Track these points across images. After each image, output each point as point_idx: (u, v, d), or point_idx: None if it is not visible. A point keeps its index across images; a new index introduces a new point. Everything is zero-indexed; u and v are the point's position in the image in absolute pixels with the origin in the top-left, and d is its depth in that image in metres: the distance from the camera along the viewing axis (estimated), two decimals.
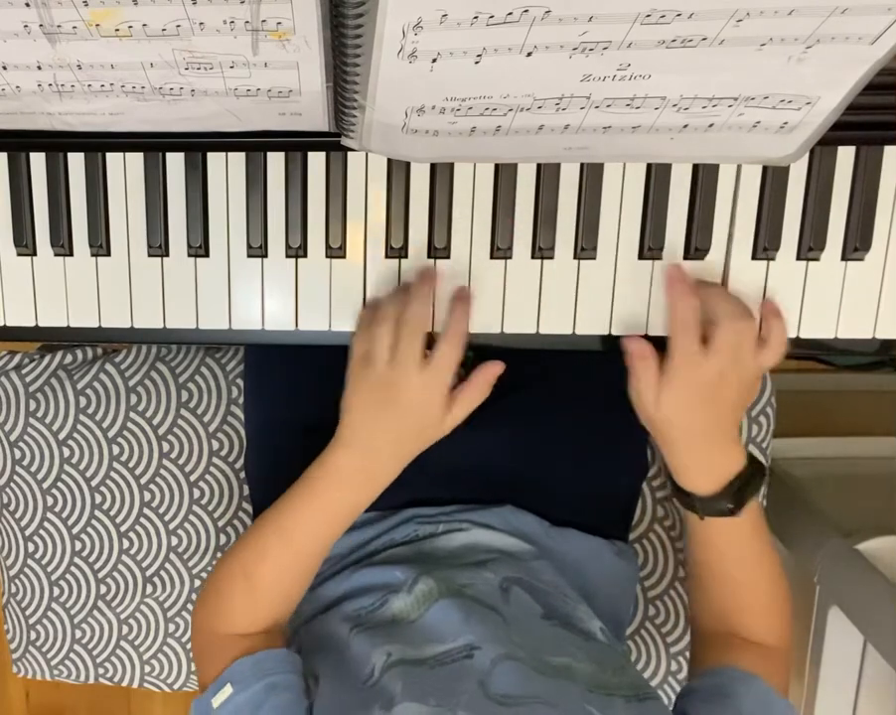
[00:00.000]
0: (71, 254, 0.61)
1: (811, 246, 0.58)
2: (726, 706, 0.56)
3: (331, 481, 0.59)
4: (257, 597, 0.60)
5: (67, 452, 0.89)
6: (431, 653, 0.55)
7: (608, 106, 0.48)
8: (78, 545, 0.91)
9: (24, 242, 0.61)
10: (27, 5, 0.41)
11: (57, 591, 0.93)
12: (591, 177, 0.58)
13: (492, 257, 0.60)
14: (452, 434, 0.76)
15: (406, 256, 0.60)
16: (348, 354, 0.59)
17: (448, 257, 0.60)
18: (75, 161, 0.60)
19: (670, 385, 0.55)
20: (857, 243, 0.58)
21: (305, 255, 0.61)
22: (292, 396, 0.78)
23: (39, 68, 0.47)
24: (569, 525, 0.73)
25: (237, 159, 0.59)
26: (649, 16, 0.40)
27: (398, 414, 0.56)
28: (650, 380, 0.56)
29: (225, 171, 0.60)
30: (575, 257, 0.59)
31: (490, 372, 0.58)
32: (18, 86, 0.49)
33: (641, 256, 0.59)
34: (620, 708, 0.53)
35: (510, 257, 0.60)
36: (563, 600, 0.64)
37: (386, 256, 0.60)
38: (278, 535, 0.60)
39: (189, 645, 0.93)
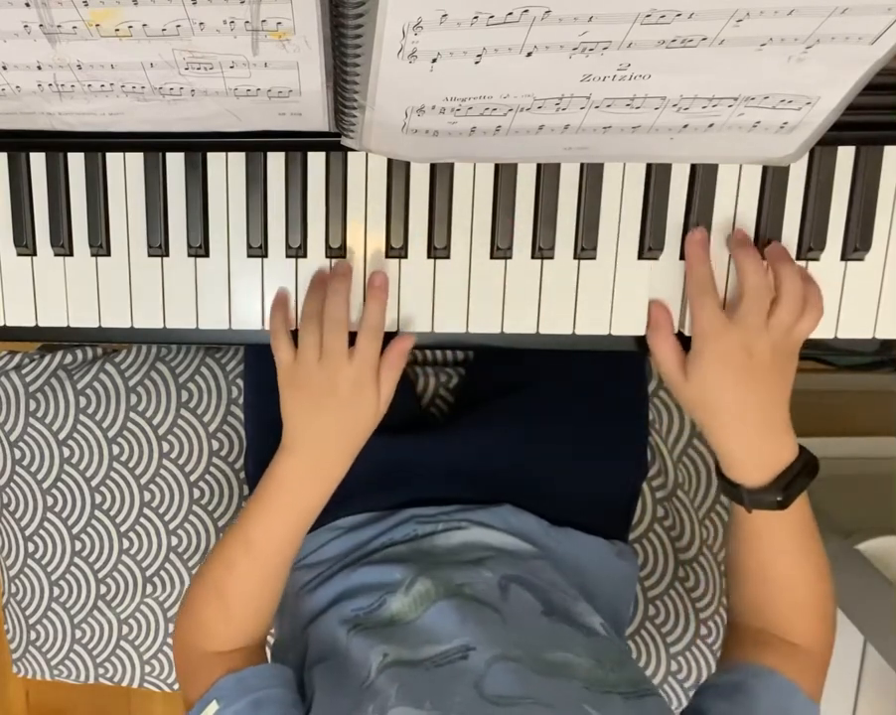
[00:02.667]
0: (71, 254, 0.61)
1: (811, 246, 0.58)
2: (741, 703, 0.55)
3: (281, 488, 0.60)
4: (231, 612, 0.60)
5: (67, 452, 0.89)
6: (427, 655, 0.55)
7: (608, 106, 0.48)
8: (78, 545, 0.91)
9: (24, 242, 0.61)
10: (27, 5, 0.41)
11: (57, 591, 0.93)
12: (591, 177, 0.58)
13: (492, 257, 0.60)
14: (453, 434, 0.76)
15: (406, 256, 0.60)
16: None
17: (448, 257, 0.60)
18: (75, 161, 0.60)
19: (697, 358, 0.54)
20: (857, 243, 0.58)
21: (305, 255, 0.61)
22: None
23: (39, 68, 0.47)
24: (569, 525, 0.73)
25: (237, 159, 0.59)
26: (649, 16, 0.40)
27: (336, 409, 0.57)
28: (668, 352, 0.56)
29: (225, 171, 0.60)
30: (575, 257, 0.59)
31: (401, 346, 0.58)
32: (18, 86, 0.49)
33: (641, 256, 0.59)
34: (618, 705, 0.52)
35: (510, 257, 0.60)
36: (563, 597, 0.64)
37: (386, 256, 0.60)
38: (242, 547, 0.60)
39: None
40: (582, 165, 0.58)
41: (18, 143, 0.59)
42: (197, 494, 0.89)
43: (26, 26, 0.43)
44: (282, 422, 0.59)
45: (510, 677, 0.52)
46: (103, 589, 0.92)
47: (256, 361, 0.82)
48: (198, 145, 0.59)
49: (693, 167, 0.58)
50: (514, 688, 0.51)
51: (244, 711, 0.53)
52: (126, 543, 0.91)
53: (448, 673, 0.53)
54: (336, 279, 0.58)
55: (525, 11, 0.40)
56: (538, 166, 0.58)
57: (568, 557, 0.71)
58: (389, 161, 0.59)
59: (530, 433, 0.75)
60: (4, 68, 0.47)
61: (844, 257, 0.59)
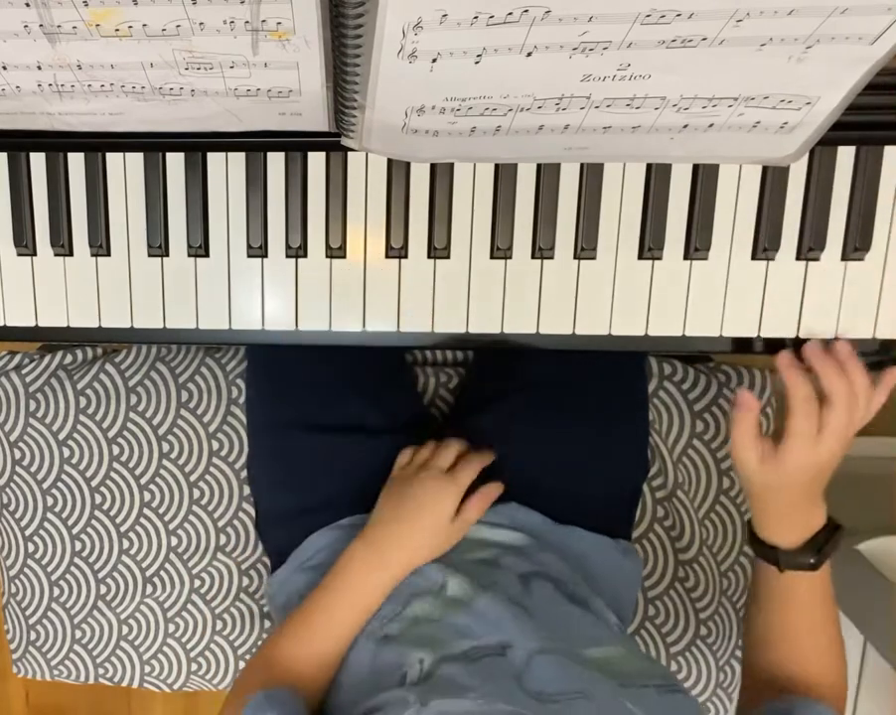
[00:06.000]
0: (71, 254, 0.61)
1: (811, 246, 0.58)
2: None
3: (345, 570, 0.63)
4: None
5: (67, 452, 0.89)
6: (462, 649, 0.56)
7: (608, 106, 0.48)
8: (78, 545, 0.91)
9: (24, 242, 0.61)
10: (27, 5, 0.41)
11: (57, 591, 0.93)
12: (591, 177, 0.58)
13: (492, 257, 0.60)
14: (456, 436, 0.76)
15: (406, 256, 0.60)
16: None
17: (448, 257, 0.60)
18: (76, 161, 0.60)
19: (779, 463, 0.56)
20: (857, 243, 0.58)
21: (305, 255, 0.61)
22: (294, 395, 0.78)
23: (39, 68, 0.47)
24: (573, 524, 0.74)
25: (237, 159, 0.59)
26: (649, 16, 0.40)
27: (413, 508, 0.62)
28: (750, 440, 0.57)
29: (225, 171, 0.60)
30: (575, 257, 0.59)
31: (490, 494, 0.67)
32: (18, 86, 0.49)
33: (641, 256, 0.59)
34: (653, 699, 0.53)
35: (510, 257, 0.60)
36: (580, 589, 0.64)
37: (386, 256, 0.60)
38: (303, 628, 0.62)
39: (189, 645, 0.93)
40: (582, 165, 0.58)
41: (18, 143, 0.59)
42: (197, 494, 0.89)
43: (26, 26, 0.43)
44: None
45: (550, 671, 0.53)
46: (103, 589, 0.92)
47: (257, 362, 0.82)
48: (198, 145, 0.59)
49: (694, 167, 0.58)
50: (554, 683, 0.52)
51: None
52: (126, 543, 0.91)
53: (487, 666, 0.54)
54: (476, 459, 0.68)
55: (525, 11, 0.40)
56: (538, 166, 0.58)
57: (573, 553, 0.71)
58: (389, 161, 0.59)
59: (532, 434, 0.75)
60: (4, 68, 0.47)
61: (844, 257, 0.59)
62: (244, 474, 0.88)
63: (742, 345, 0.61)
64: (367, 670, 0.59)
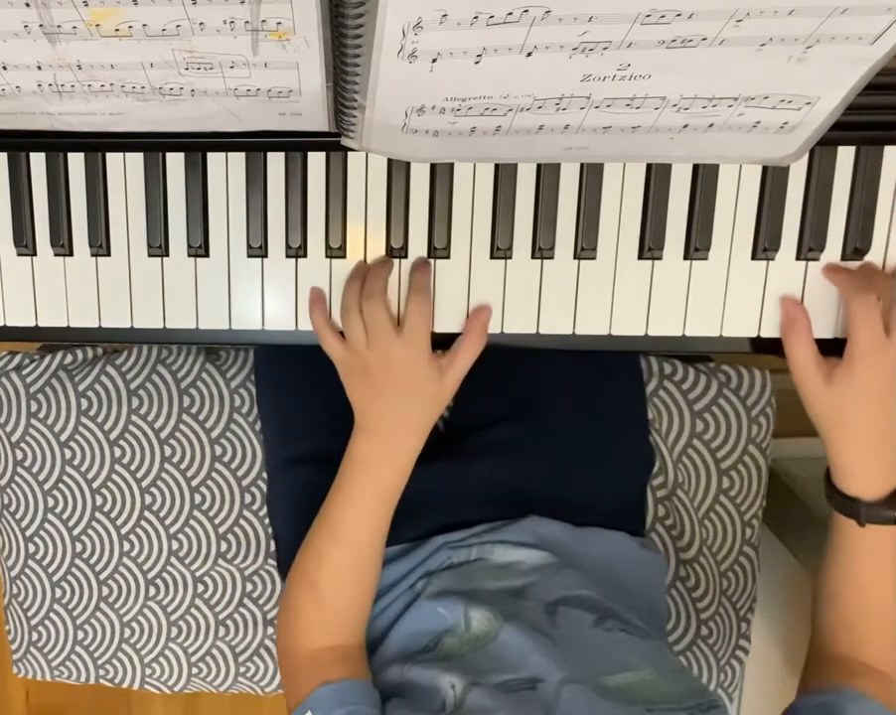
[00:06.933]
0: (71, 254, 0.61)
1: (811, 246, 0.58)
2: None
3: (358, 470, 0.60)
4: (324, 604, 0.60)
5: (68, 453, 0.89)
6: (493, 682, 0.55)
7: (608, 106, 0.48)
8: (79, 547, 0.91)
9: (24, 242, 0.61)
10: (27, 5, 0.41)
11: (59, 592, 0.93)
12: (591, 177, 0.58)
13: (492, 257, 0.60)
14: (463, 456, 0.75)
15: (406, 256, 0.60)
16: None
17: (448, 257, 0.60)
18: (76, 161, 0.60)
19: (850, 368, 0.53)
20: (857, 244, 0.58)
21: (305, 255, 0.61)
22: (309, 425, 0.78)
23: (39, 68, 0.47)
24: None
25: (237, 159, 0.59)
26: (649, 16, 0.40)
27: (394, 386, 0.57)
28: (806, 354, 0.55)
29: (225, 171, 0.60)
30: (575, 257, 0.60)
31: (482, 317, 0.59)
32: (18, 86, 0.49)
33: (641, 256, 0.59)
34: None
35: (510, 257, 0.60)
36: (609, 601, 0.64)
37: (386, 256, 0.60)
38: (328, 536, 0.60)
39: (191, 649, 0.93)
40: (582, 165, 0.58)
41: (18, 143, 0.60)
42: (198, 499, 0.89)
43: (26, 26, 0.43)
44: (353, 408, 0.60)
45: (580, 703, 0.51)
46: (105, 591, 0.92)
47: (269, 392, 0.81)
48: (198, 145, 0.59)
49: (694, 167, 0.58)
50: None
51: None
52: (127, 546, 0.91)
53: (518, 699, 0.53)
54: (374, 266, 0.59)
55: (525, 11, 0.40)
56: (538, 166, 0.58)
57: (599, 557, 0.70)
58: (389, 161, 0.59)
59: (538, 445, 0.75)
60: (4, 68, 0.47)
61: (844, 257, 0.59)
62: (246, 481, 0.88)
63: (743, 344, 0.61)
64: (397, 685, 0.58)
